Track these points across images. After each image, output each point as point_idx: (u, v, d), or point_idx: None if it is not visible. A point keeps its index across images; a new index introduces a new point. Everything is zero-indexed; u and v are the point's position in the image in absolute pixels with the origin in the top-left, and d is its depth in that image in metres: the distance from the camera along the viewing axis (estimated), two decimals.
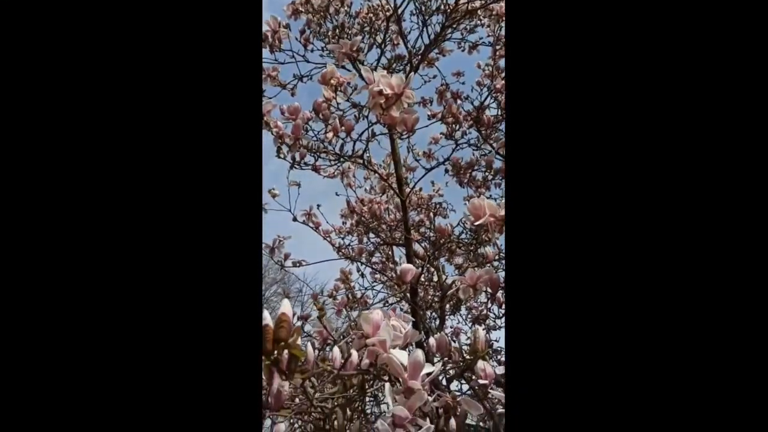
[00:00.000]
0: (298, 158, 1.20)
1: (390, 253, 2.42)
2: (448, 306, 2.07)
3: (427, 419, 0.62)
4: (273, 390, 0.57)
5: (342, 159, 1.26)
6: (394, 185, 1.70)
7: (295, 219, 2.30)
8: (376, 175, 2.43)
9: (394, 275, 2.21)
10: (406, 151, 2.13)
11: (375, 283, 2.26)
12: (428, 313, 2.00)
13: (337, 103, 1.10)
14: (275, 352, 0.41)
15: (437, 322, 1.90)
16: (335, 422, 0.79)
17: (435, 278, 2.10)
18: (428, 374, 0.64)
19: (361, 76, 1.04)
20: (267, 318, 0.43)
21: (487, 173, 1.82)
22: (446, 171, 2.01)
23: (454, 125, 1.68)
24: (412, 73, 1.54)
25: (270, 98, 1.28)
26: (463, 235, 1.72)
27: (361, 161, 1.31)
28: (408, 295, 1.76)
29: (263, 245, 2.24)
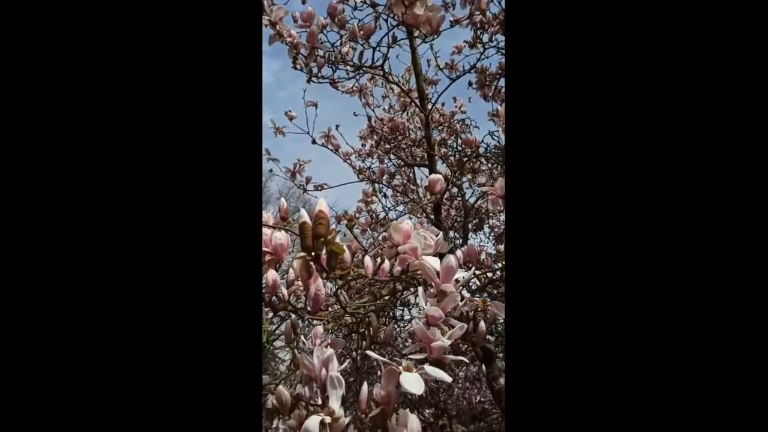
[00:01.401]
0: (315, 69, 1.13)
1: (411, 174, 2.39)
2: (470, 225, 2.08)
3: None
4: (311, 292, 0.58)
5: (361, 69, 1.18)
6: (416, 100, 1.62)
7: (314, 141, 2.26)
8: (395, 93, 2.32)
9: (416, 197, 2.20)
10: (427, 64, 2.00)
11: (397, 205, 2.27)
12: (450, 233, 2.02)
13: (355, 3, 1.00)
14: (315, 248, 0.41)
15: (460, 242, 1.92)
16: (370, 327, 0.83)
17: (458, 199, 2.09)
18: (460, 279, 0.64)
19: None
20: (305, 215, 0.43)
21: None
22: (470, 84, 1.89)
23: (480, 30, 1.54)
24: None
25: (281, 5, 1.17)
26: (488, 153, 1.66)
27: (380, 72, 1.23)
28: (431, 216, 1.76)
29: (284, 169, 2.24)
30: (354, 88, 1.97)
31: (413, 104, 1.93)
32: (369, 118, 2.00)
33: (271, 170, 2.36)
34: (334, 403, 0.54)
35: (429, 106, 1.69)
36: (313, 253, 0.41)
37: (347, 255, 0.55)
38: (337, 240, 0.45)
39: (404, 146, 2.08)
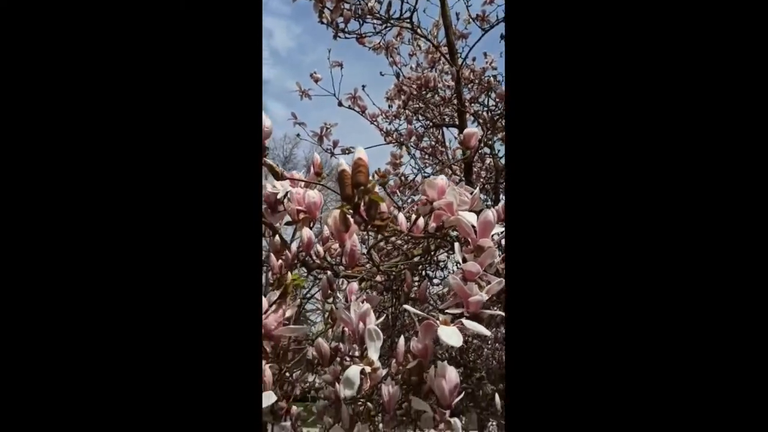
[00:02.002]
0: (341, 24, 1.09)
1: (440, 136, 2.33)
2: (502, 186, 2.02)
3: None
4: (347, 248, 0.58)
5: (389, 22, 1.13)
6: (445, 55, 1.54)
7: (340, 104, 2.22)
8: (423, 50, 2.22)
9: (445, 158, 2.16)
10: (456, 18, 1.89)
11: (425, 167, 2.24)
12: (481, 195, 1.98)
13: None
14: (355, 197, 0.40)
15: (491, 204, 1.88)
16: (404, 284, 0.83)
17: (489, 159, 2.03)
18: (497, 235, 0.63)
19: None
20: (344, 164, 0.42)
21: None
22: (502, 37, 1.79)
23: None
24: None
25: None
26: None
27: (408, 25, 1.17)
28: (462, 177, 1.72)
29: (311, 133, 2.23)
30: (380, 44, 1.90)
31: (442, 60, 1.85)
32: (397, 75, 1.94)
33: (298, 135, 2.35)
34: (373, 354, 0.56)
35: (459, 62, 1.62)
36: (353, 203, 0.40)
37: (385, 206, 0.54)
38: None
39: (433, 105, 2.01)
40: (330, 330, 0.86)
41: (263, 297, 0.65)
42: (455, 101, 1.61)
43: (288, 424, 1.10)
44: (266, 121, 0.61)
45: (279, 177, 0.64)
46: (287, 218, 0.74)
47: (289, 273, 0.61)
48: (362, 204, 0.41)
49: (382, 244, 1.07)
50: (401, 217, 0.70)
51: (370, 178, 0.47)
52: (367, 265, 0.79)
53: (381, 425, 0.73)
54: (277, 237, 0.77)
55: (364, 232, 0.66)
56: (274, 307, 0.55)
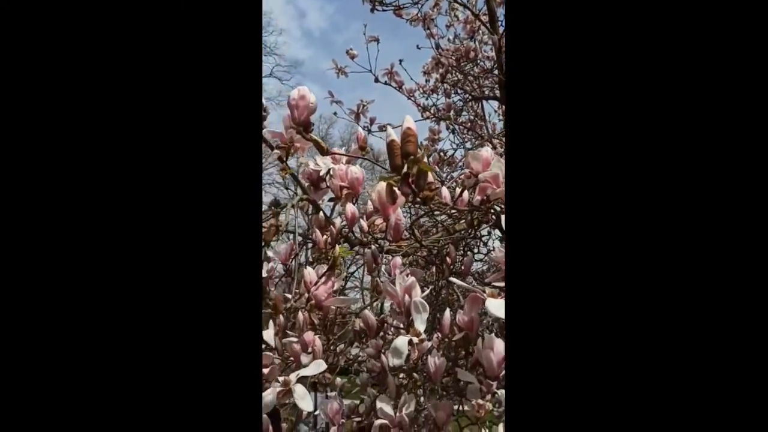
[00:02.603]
0: None
1: (479, 110, 2.26)
2: None
3: None
4: (392, 221, 0.58)
5: None
6: (486, 23, 1.48)
7: (377, 80, 2.20)
8: (460, 21, 2.14)
9: (485, 132, 2.10)
10: None
11: (465, 142, 2.18)
12: None
13: None
14: (404, 167, 0.40)
15: None
16: (447, 258, 0.83)
17: None
18: None
19: None
20: (392, 134, 0.41)
21: None
22: None
23: None
24: None
25: None
26: None
27: None
28: (502, 152, 1.67)
29: (348, 111, 2.23)
30: (417, 15, 1.84)
31: (482, 29, 1.78)
32: (437, 46, 1.88)
33: (335, 113, 2.36)
34: (420, 326, 0.56)
35: (500, 30, 1.55)
36: (402, 173, 0.40)
37: (432, 177, 0.54)
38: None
39: (472, 77, 1.95)
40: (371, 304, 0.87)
41: (310, 269, 0.67)
42: (496, 72, 1.55)
43: (334, 394, 1.15)
44: (311, 98, 0.61)
45: (325, 152, 0.65)
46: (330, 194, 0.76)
47: (337, 246, 0.62)
48: (411, 174, 0.40)
49: (422, 219, 1.07)
50: (445, 190, 0.70)
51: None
52: (409, 240, 0.79)
53: (424, 397, 0.74)
54: (321, 213, 0.79)
55: (407, 206, 0.66)
56: (323, 279, 0.57)
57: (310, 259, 0.88)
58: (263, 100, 0.71)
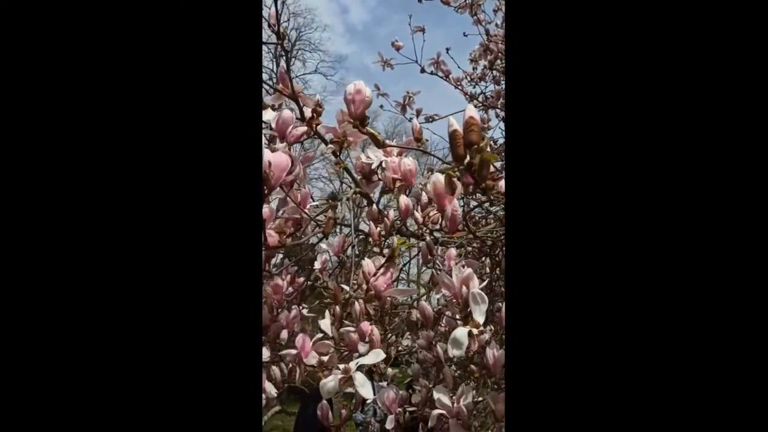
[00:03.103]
0: None
1: None
2: None
3: None
4: (448, 213, 0.58)
5: None
6: None
7: (423, 70, 2.18)
8: None
9: None
10: None
11: None
12: None
13: None
14: (466, 156, 0.40)
15: None
16: (502, 249, 0.81)
17: None
18: None
19: None
20: (454, 123, 0.41)
21: None
22: None
23: None
24: None
25: None
26: None
27: None
28: None
29: (393, 103, 2.22)
30: (465, 2, 1.80)
31: None
32: (487, 32, 1.83)
33: (381, 106, 2.36)
34: (479, 317, 0.56)
35: None
36: (464, 162, 0.39)
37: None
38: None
39: None
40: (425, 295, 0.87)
41: (369, 260, 0.68)
42: None
43: (385, 384, 1.16)
44: (366, 92, 0.62)
45: (381, 145, 0.65)
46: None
47: (395, 238, 0.63)
48: (474, 164, 0.40)
49: (474, 210, 1.05)
50: (501, 183, 0.68)
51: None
52: (463, 232, 0.78)
53: (480, 388, 0.74)
54: (374, 206, 0.80)
55: (459, 198, 0.66)
56: (382, 270, 0.58)
57: (357, 252, 0.89)
58: (317, 96, 0.73)
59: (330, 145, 0.74)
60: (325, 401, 0.73)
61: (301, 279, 0.85)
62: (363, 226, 0.80)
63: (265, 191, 0.51)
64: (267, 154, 0.50)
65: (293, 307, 0.80)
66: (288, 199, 0.66)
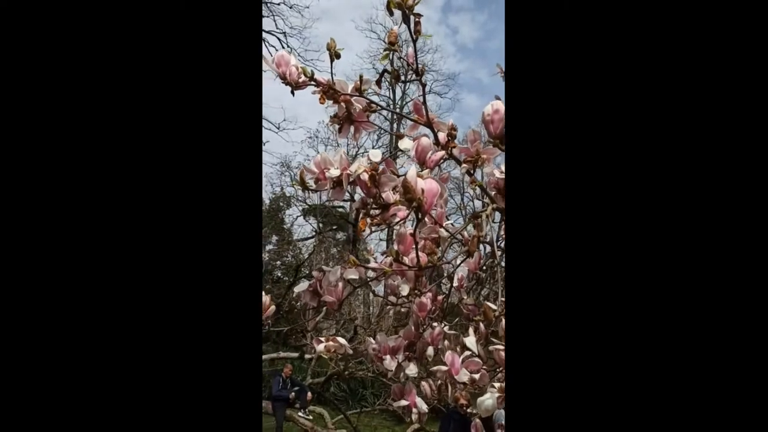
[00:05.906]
0: None
1: None
2: None
3: None
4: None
5: None
6: None
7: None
8: None
9: None
10: None
11: None
12: None
13: None
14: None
15: None
16: None
17: None
18: None
19: None
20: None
21: None
22: None
23: None
24: None
25: None
26: None
27: None
28: None
29: None
30: None
31: None
32: None
33: None
34: None
35: None
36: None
37: None
38: None
39: None
40: None
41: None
42: None
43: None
44: (503, 110, 0.63)
45: None
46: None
47: None
48: None
49: None
50: None
51: None
52: None
53: None
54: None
55: None
56: None
57: (484, 267, 0.88)
58: (450, 121, 0.76)
59: (464, 164, 0.75)
60: (478, 419, 0.73)
61: (441, 297, 0.87)
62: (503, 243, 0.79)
63: (419, 216, 0.54)
64: (420, 182, 0.54)
65: (434, 324, 0.82)
66: (426, 219, 0.69)
